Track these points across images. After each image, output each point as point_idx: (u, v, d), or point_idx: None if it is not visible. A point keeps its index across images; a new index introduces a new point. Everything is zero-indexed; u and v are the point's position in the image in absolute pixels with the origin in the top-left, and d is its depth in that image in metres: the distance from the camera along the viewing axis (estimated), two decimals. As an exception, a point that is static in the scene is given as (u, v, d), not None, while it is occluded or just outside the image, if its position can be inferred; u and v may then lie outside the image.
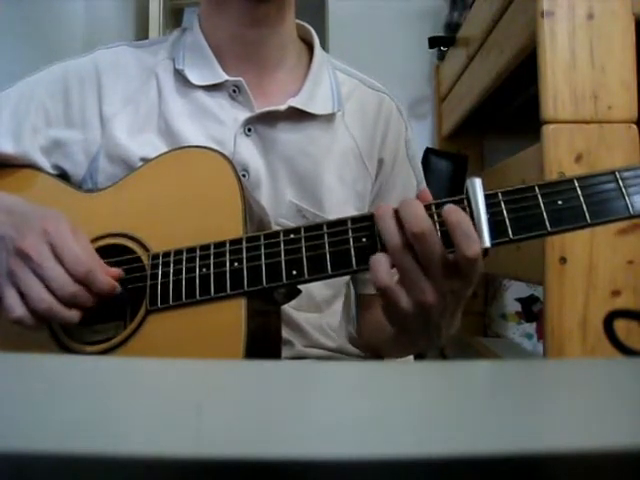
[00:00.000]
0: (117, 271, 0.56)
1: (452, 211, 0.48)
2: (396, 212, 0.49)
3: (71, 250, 0.53)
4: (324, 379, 0.26)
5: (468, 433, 0.17)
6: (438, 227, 0.49)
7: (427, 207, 0.50)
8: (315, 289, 0.70)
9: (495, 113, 1.56)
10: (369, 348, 0.76)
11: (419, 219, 0.47)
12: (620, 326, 0.33)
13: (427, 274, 0.49)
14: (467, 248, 0.47)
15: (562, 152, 0.88)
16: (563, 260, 0.86)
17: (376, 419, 0.19)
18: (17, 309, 0.52)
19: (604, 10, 0.89)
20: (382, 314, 0.54)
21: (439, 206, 0.50)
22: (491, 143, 1.81)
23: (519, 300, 1.68)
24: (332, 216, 0.54)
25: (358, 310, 0.79)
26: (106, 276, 0.54)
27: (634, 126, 0.88)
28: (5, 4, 1.49)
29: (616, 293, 0.86)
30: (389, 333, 0.60)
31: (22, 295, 0.52)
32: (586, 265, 0.86)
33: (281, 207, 0.68)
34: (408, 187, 0.77)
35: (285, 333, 0.65)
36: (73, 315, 0.53)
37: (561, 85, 0.89)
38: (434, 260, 0.48)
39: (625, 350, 0.32)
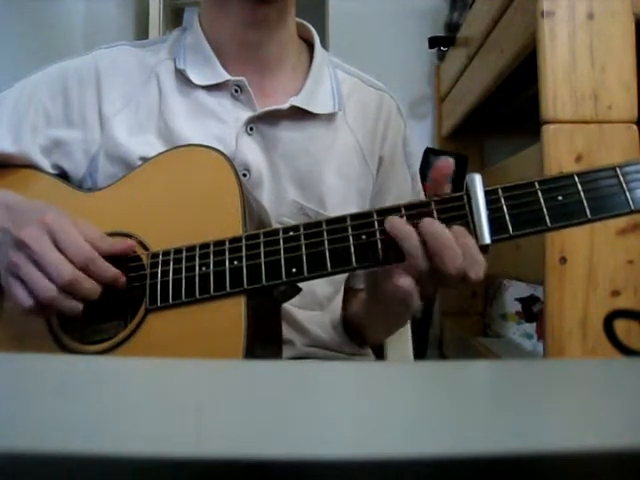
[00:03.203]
0: (129, 244, 0.57)
1: (460, 235, 0.48)
2: (415, 227, 0.50)
3: (72, 238, 0.53)
4: (324, 379, 0.26)
5: (468, 433, 0.17)
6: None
7: (427, 203, 0.51)
8: (317, 286, 0.70)
9: (495, 113, 1.56)
10: (352, 332, 0.76)
11: (453, 253, 0.48)
12: (620, 326, 0.33)
13: (440, 281, 0.50)
14: (472, 272, 0.48)
15: (562, 152, 0.88)
16: (563, 260, 0.86)
17: (376, 419, 0.19)
18: (26, 301, 0.52)
19: (604, 10, 0.89)
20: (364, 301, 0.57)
21: (440, 203, 0.50)
22: (491, 143, 1.81)
23: (519, 300, 1.68)
24: (334, 214, 0.54)
25: (344, 298, 0.79)
26: (109, 264, 0.54)
27: (634, 126, 0.88)
28: (5, 3, 1.49)
29: (616, 293, 0.86)
30: (372, 319, 0.66)
31: (25, 285, 0.52)
32: (586, 265, 0.86)
33: (283, 206, 0.68)
34: (404, 186, 0.78)
35: (286, 332, 0.66)
36: (75, 305, 0.53)
37: (561, 85, 0.89)
38: (452, 277, 0.49)
39: (625, 350, 0.32)
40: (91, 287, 0.53)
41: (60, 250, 0.52)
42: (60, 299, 0.52)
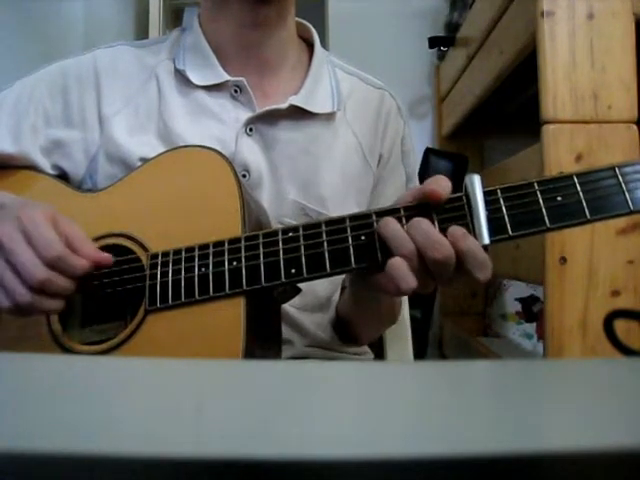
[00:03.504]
0: (106, 256, 0.55)
1: (460, 237, 0.48)
2: (405, 228, 0.49)
3: (41, 235, 0.51)
4: (324, 379, 0.26)
5: (468, 433, 0.17)
6: (437, 225, 0.49)
7: (426, 204, 0.50)
8: (318, 286, 0.70)
9: (495, 113, 1.56)
10: (343, 326, 0.77)
11: (440, 246, 0.47)
12: (620, 326, 0.33)
13: (435, 278, 0.49)
14: (481, 275, 0.48)
15: (562, 152, 0.88)
16: (563, 260, 0.86)
17: (376, 419, 0.19)
18: (3, 301, 0.51)
19: (604, 10, 0.89)
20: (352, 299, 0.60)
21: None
22: (491, 143, 1.81)
23: (519, 300, 1.68)
24: (335, 214, 0.54)
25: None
26: (79, 258, 0.53)
27: (634, 126, 0.88)
28: (5, 4, 1.49)
29: (616, 293, 0.86)
30: (362, 312, 0.68)
31: (3, 287, 0.51)
32: (586, 265, 0.86)
33: (284, 206, 0.68)
34: (399, 185, 0.78)
35: (285, 332, 0.66)
36: (54, 304, 0.52)
37: (561, 85, 0.89)
38: (447, 274, 0.48)
39: (625, 350, 0.32)
40: (64, 285, 0.52)
41: (31, 246, 0.51)
42: (37, 301, 0.51)
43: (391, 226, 0.49)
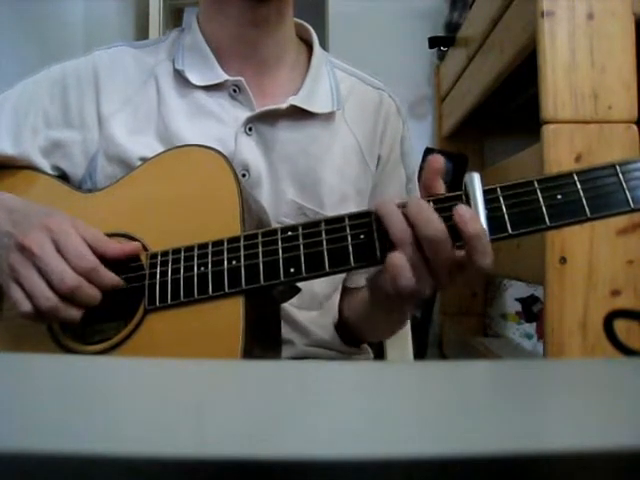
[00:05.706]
0: (135, 244, 0.57)
1: (468, 220, 0.47)
2: (402, 209, 0.49)
3: (74, 246, 0.53)
4: (324, 379, 0.26)
5: (468, 433, 0.17)
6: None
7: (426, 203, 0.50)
8: (317, 286, 0.70)
9: (495, 113, 1.56)
10: (348, 331, 0.76)
11: (433, 223, 0.47)
12: (620, 326, 0.33)
13: (432, 272, 0.49)
14: (484, 261, 0.47)
15: (562, 152, 0.88)
16: (563, 260, 0.86)
17: (376, 419, 0.19)
18: (24, 305, 0.52)
19: (604, 10, 0.89)
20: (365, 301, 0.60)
21: (437, 202, 0.50)
22: (491, 143, 1.81)
23: (519, 300, 1.68)
24: (333, 214, 0.54)
25: (340, 297, 0.78)
26: (110, 272, 0.54)
27: (634, 126, 0.88)
28: (5, 4, 1.49)
29: (616, 293, 0.86)
30: (369, 316, 0.68)
31: (25, 291, 0.52)
32: (586, 265, 0.86)
33: (282, 206, 0.68)
34: (398, 186, 0.78)
35: (286, 332, 0.66)
36: (75, 314, 0.53)
37: (561, 85, 0.89)
38: (443, 261, 0.48)
39: (625, 350, 0.32)
40: (92, 294, 0.53)
41: (62, 257, 0.52)
42: (60, 308, 0.52)
43: (388, 206, 0.49)
